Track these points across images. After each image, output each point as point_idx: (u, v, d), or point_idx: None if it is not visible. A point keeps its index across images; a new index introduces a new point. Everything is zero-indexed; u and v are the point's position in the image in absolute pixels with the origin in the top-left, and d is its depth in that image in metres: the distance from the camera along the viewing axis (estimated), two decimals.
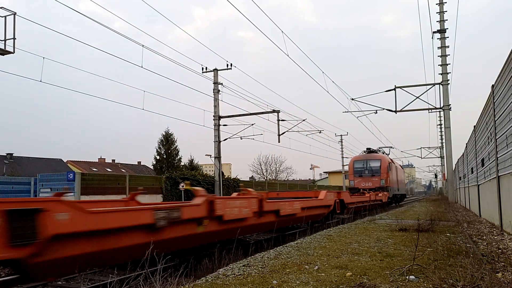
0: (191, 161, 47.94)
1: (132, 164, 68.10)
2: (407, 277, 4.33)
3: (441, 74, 25.44)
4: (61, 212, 4.25)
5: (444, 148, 31.38)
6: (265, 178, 67.72)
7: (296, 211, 10.03)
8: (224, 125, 26.04)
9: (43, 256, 4.14)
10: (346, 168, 55.62)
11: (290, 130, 27.60)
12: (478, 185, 13.65)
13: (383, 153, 31.63)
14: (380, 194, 22.90)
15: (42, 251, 4.10)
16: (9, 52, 12.71)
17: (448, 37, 25.54)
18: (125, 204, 6.93)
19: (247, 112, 25.76)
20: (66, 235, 4.32)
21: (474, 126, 13.87)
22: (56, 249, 4.29)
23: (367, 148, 31.05)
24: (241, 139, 26.45)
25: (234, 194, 8.04)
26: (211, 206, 6.68)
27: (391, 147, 39.29)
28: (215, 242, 7.22)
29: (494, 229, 9.74)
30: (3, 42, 12.57)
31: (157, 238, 5.43)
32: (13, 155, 50.77)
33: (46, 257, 4.17)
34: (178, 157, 48.95)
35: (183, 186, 22.68)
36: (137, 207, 6.47)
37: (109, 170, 58.64)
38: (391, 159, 31.00)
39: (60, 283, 5.80)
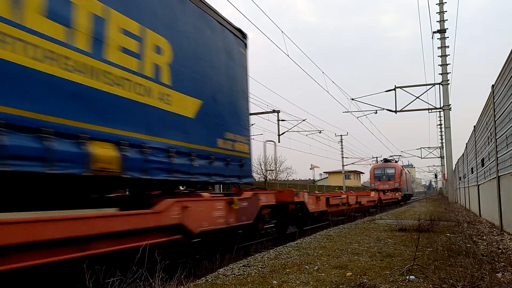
0: None
1: None
2: (407, 277, 4.33)
3: (441, 74, 25.44)
4: (330, 198, 12.76)
5: (444, 148, 31.42)
6: (265, 178, 67.61)
7: (365, 203, 18.58)
8: None
9: (328, 210, 12.51)
10: (346, 168, 55.85)
11: (290, 130, 27.65)
12: (478, 185, 13.65)
13: (395, 162, 38.67)
14: (397, 194, 30.47)
15: (328, 209, 12.40)
16: None
17: (448, 37, 25.58)
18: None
19: None
20: (330, 204, 12.61)
21: (474, 126, 13.87)
22: (329, 209, 12.59)
23: (384, 158, 39.50)
24: None
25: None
26: (357, 197, 16.63)
27: (400, 156, 47.89)
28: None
29: (494, 229, 9.74)
30: None
31: (344, 208, 14.53)
32: None
33: (329, 210, 12.62)
34: None
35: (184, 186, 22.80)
36: (338, 196, 14.06)
37: None
38: (402, 166, 37.86)
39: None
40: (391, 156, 42.60)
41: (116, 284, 3.62)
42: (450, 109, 25.49)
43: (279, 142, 27.16)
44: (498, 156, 8.69)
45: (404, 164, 58.14)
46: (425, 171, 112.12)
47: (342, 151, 53.28)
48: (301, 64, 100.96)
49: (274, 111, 25.37)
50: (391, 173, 34.31)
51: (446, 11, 25.36)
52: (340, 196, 14.32)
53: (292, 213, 9.31)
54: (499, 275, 4.51)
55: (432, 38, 26.28)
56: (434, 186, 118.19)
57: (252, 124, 25.94)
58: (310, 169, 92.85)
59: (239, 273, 4.77)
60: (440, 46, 25.57)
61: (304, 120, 28.04)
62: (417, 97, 25.18)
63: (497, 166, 8.83)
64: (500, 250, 6.51)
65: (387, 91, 25.91)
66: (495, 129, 8.76)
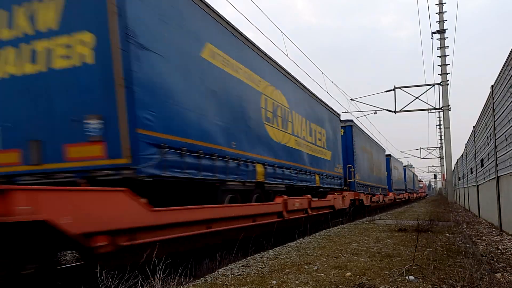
0: None
1: None
2: (407, 277, 4.33)
3: (441, 74, 25.45)
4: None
5: (444, 149, 31.44)
6: None
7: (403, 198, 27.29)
8: None
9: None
10: None
11: None
12: (478, 186, 13.65)
13: (421, 180, 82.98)
14: (424, 194, 75.32)
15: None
16: None
17: (447, 37, 25.58)
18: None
19: None
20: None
21: (474, 127, 13.88)
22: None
23: (419, 180, 73.65)
24: None
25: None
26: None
27: (423, 177, 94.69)
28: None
29: (493, 229, 9.75)
30: None
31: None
32: None
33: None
34: None
35: None
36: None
37: None
38: (425, 183, 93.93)
39: (59, 283, 5.79)
40: (421, 177, 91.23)
41: (116, 283, 3.62)
42: (449, 109, 25.50)
43: None
44: (497, 156, 8.70)
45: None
46: (424, 171, 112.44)
47: None
48: (301, 65, 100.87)
49: None
50: (422, 186, 75.63)
51: (445, 12, 25.39)
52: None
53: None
54: (498, 275, 4.51)
55: (432, 38, 26.33)
56: (433, 186, 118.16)
57: None
58: None
59: (239, 273, 4.77)
60: (439, 46, 25.57)
61: None
62: (417, 98, 25.19)
63: (496, 166, 8.84)
64: (499, 251, 6.52)
65: (386, 91, 25.91)
66: (495, 130, 8.77)
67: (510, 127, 7.24)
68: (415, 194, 45.10)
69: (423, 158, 53.90)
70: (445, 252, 5.92)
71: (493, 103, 8.87)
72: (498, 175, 8.83)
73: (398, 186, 29.99)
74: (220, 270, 5.07)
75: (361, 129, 17.65)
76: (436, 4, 25.55)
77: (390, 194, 24.83)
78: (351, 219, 13.75)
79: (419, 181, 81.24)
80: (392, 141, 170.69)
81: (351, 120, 16.13)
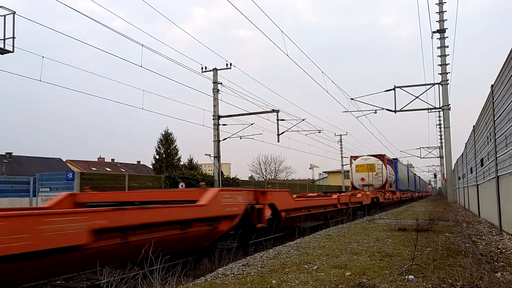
0: (191, 160, 48.00)
1: (132, 164, 68.12)
2: (406, 276, 4.33)
3: (441, 74, 25.46)
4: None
5: (444, 148, 31.48)
6: (265, 177, 67.78)
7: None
8: (223, 124, 26.03)
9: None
10: (346, 168, 56.09)
11: (289, 130, 27.63)
12: (477, 185, 13.66)
13: (428, 182, 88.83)
14: (430, 193, 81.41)
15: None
16: (8, 51, 12.70)
17: (447, 37, 25.60)
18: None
19: (247, 112, 25.74)
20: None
21: (474, 126, 13.88)
22: None
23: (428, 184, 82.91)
24: (240, 138, 26.47)
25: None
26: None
27: (429, 181, 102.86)
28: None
29: (493, 229, 9.75)
30: (3, 41, 12.56)
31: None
32: (12, 154, 50.75)
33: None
34: (178, 157, 49.02)
35: (182, 186, 22.89)
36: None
37: (108, 169, 58.63)
38: (430, 185, 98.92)
39: (59, 282, 5.80)
40: (429, 180, 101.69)
41: (116, 283, 3.63)
42: (449, 109, 25.52)
43: (278, 141, 27.14)
44: (497, 156, 8.70)
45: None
46: (424, 171, 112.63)
47: (341, 151, 53.37)
48: (301, 64, 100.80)
49: (273, 110, 25.35)
50: (429, 188, 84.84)
51: (445, 11, 25.41)
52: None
53: None
54: (498, 274, 4.51)
55: (432, 38, 26.34)
56: (433, 186, 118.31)
57: (252, 124, 26.09)
58: (310, 168, 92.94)
59: (238, 273, 4.77)
60: (439, 46, 25.58)
61: (303, 119, 28.10)
62: (417, 97, 25.21)
63: (496, 166, 8.84)
64: (499, 250, 6.52)
65: (386, 91, 25.93)
66: (494, 129, 8.77)
67: (510, 127, 7.24)
68: (417, 193, 48.80)
69: (423, 158, 53.94)
70: (445, 252, 5.92)
71: (493, 103, 8.87)
72: (498, 174, 8.84)
73: (403, 187, 34.72)
74: (220, 269, 5.07)
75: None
76: (436, 4, 25.60)
77: (398, 193, 29.35)
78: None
79: (429, 185, 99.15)
80: (392, 141, 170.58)
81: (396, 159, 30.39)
